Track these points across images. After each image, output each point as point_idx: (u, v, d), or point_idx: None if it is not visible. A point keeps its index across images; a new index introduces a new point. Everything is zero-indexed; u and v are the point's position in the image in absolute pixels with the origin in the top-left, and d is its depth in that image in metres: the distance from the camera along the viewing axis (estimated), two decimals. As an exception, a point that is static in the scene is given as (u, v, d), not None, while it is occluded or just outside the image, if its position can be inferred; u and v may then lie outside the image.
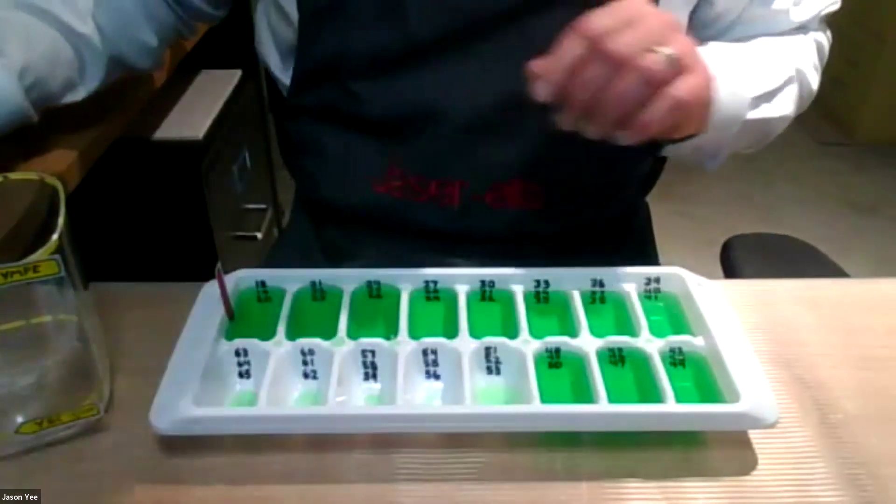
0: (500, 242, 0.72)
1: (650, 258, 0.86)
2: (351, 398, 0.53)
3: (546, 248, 0.74)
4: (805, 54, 0.72)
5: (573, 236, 0.75)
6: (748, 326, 0.59)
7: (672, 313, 0.59)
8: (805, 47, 0.72)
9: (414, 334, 0.55)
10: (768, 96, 0.67)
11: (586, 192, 0.72)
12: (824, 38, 0.76)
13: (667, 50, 0.50)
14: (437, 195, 0.69)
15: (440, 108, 0.66)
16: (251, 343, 0.54)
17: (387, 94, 0.66)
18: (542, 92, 0.52)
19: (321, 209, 0.78)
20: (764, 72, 0.67)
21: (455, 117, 0.66)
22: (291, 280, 0.60)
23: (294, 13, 0.67)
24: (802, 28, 0.73)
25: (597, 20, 0.50)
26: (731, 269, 0.94)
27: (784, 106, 0.68)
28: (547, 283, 0.60)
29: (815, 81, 0.73)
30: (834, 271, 0.91)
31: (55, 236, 0.45)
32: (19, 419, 0.48)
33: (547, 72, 0.51)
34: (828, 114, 2.94)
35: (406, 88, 0.66)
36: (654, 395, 0.51)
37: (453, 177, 0.68)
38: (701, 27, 0.71)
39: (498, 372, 0.55)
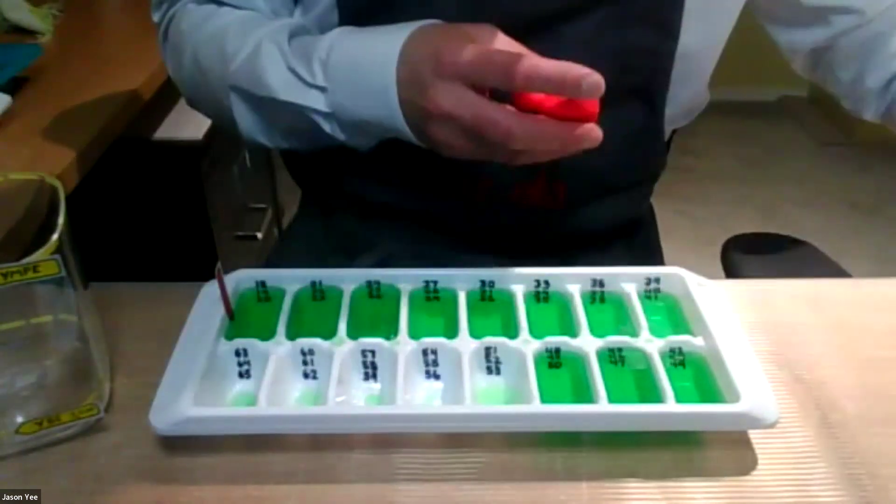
0: (519, 240, 0.73)
1: (656, 257, 0.86)
2: (351, 398, 0.53)
3: (562, 247, 0.74)
4: None
5: (589, 236, 0.75)
6: (748, 326, 0.59)
7: (672, 313, 0.59)
8: None
9: (414, 334, 0.55)
10: None
11: (609, 193, 0.73)
12: None
13: None
14: (465, 191, 0.70)
15: None
16: (251, 343, 0.54)
17: None
18: None
19: (338, 202, 0.78)
20: None
21: None
22: (291, 280, 0.60)
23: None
24: None
25: None
26: (731, 269, 0.94)
27: None
28: (547, 283, 0.60)
29: None
30: (834, 271, 0.91)
31: (55, 236, 0.45)
32: (19, 419, 0.48)
33: None
34: (828, 114, 2.94)
35: None
36: (653, 395, 0.51)
37: (481, 174, 0.69)
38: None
39: (498, 372, 0.55)
